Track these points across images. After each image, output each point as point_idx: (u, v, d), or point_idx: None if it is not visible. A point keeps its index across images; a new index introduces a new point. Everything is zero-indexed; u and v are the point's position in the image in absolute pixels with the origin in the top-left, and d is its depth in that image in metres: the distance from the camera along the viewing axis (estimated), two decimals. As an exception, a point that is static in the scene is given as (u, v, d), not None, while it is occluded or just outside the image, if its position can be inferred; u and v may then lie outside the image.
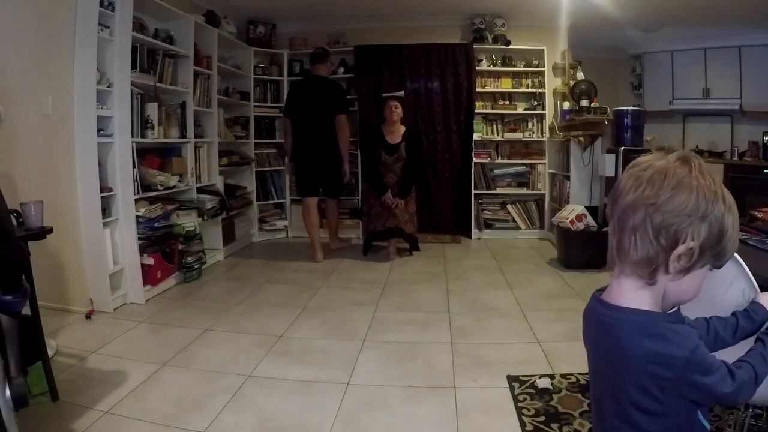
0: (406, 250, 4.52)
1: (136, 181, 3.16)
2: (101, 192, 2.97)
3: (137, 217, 3.17)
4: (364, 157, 4.51)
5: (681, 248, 0.70)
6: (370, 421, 1.84)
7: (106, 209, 3.05)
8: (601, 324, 0.78)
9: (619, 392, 0.75)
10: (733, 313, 0.93)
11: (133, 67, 3.18)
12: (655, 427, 0.74)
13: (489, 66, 5.21)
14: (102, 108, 2.98)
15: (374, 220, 4.32)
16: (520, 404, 1.91)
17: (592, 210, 4.05)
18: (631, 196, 0.72)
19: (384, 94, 4.64)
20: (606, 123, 4.10)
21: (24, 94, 2.90)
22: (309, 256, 4.35)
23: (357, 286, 3.57)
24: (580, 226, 3.94)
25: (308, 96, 4.26)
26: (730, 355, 0.80)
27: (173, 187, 3.58)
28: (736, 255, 1.09)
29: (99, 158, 2.95)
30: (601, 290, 0.82)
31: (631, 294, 0.75)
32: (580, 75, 4.93)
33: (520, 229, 5.23)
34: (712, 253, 0.72)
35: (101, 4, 2.90)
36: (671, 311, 0.77)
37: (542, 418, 1.81)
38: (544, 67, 5.15)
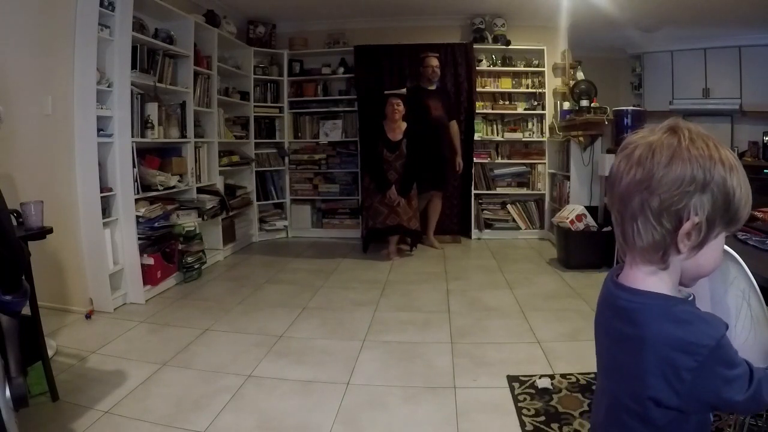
0: (406, 249, 4.52)
1: (136, 181, 3.16)
2: (101, 192, 2.97)
3: (137, 217, 3.17)
4: (365, 153, 4.53)
5: (687, 226, 0.65)
6: (370, 421, 1.84)
7: (106, 209, 3.05)
8: (620, 308, 0.72)
9: (634, 382, 0.69)
10: None
11: (133, 67, 3.18)
12: (668, 420, 0.68)
13: (489, 66, 5.21)
14: (102, 108, 2.99)
15: (374, 216, 4.32)
16: (520, 404, 1.91)
17: (592, 210, 4.04)
18: (625, 182, 0.68)
19: (386, 92, 4.65)
20: (606, 123, 4.10)
21: (24, 94, 2.90)
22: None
23: (357, 286, 3.57)
24: (580, 226, 3.94)
25: None
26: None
27: (173, 187, 3.57)
28: (735, 255, 1.09)
29: (99, 158, 2.96)
30: (617, 273, 0.76)
31: (648, 279, 0.71)
32: (580, 75, 4.93)
33: (520, 229, 5.23)
34: (724, 221, 0.67)
35: (101, 4, 2.90)
36: (689, 300, 0.73)
37: (542, 418, 1.81)
38: (544, 67, 5.14)
